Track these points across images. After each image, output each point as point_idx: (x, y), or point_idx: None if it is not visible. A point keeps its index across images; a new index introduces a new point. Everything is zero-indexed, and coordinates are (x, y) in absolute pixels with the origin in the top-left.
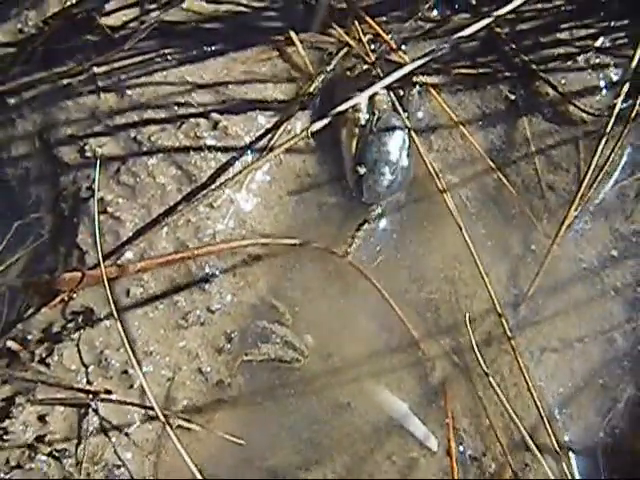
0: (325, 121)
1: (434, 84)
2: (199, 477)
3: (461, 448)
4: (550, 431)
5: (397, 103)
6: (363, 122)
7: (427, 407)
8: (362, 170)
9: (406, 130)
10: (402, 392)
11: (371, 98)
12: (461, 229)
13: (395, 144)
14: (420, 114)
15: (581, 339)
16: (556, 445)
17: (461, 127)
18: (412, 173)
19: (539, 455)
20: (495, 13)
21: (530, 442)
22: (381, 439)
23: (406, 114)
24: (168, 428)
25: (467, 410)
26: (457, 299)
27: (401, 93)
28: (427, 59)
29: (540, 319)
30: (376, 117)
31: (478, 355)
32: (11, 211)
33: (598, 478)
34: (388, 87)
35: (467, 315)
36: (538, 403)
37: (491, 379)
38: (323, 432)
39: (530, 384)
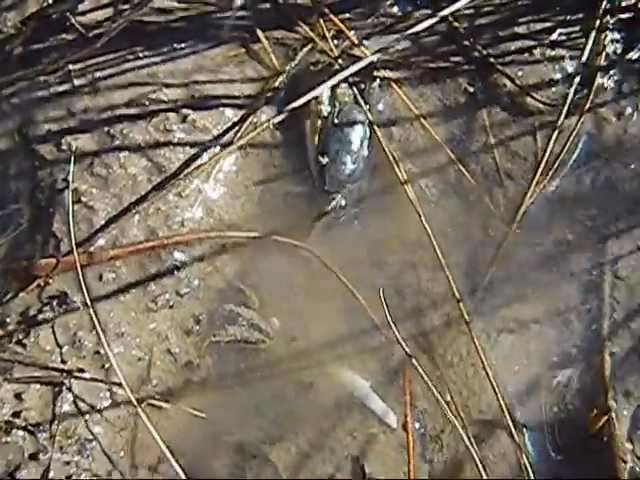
0: (286, 113)
1: (396, 77)
2: (167, 453)
3: (420, 426)
4: (505, 408)
5: (359, 96)
6: (325, 114)
7: (388, 387)
8: (324, 160)
9: (367, 121)
10: (364, 373)
11: (333, 91)
12: (420, 216)
13: (356, 135)
14: (381, 106)
15: (537, 321)
16: (510, 421)
17: (421, 119)
18: (374, 162)
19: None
20: (441, 13)
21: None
22: (343, 416)
23: (367, 106)
24: (137, 405)
25: (427, 391)
26: (419, 283)
27: (362, 86)
28: (381, 53)
29: (498, 302)
30: (337, 109)
31: (402, 343)
32: None
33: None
34: (349, 80)
35: (381, 290)
36: (493, 382)
37: (410, 362)
38: (287, 410)
39: (485, 364)
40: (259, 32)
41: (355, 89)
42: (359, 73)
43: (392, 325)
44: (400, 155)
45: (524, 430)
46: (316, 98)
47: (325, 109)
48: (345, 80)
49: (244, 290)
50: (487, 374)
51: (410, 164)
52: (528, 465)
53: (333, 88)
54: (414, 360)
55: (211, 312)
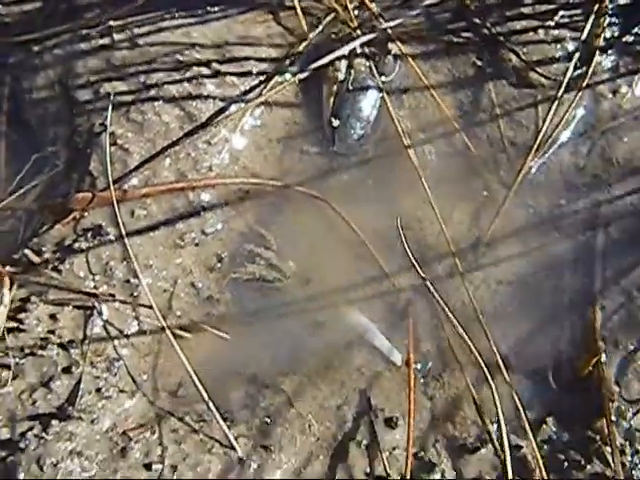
0: (309, 71)
1: (410, 50)
2: (191, 372)
3: (422, 365)
4: (497, 352)
5: (373, 66)
6: (341, 79)
7: (394, 330)
8: (336, 123)
9: (379, 90)
10: (373, 316)
11: (350, 61)
12: (420, 178)
13: (367, 102)
14: (394, 76)
15: (534, 274)
16: (502, 364)
17: (431, 89)
18: (383, 128)
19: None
20: None
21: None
22: (352, 354)
23: (381, 77)
24: (165, 327)
25: (431, 334)
26: (425, 236)
27: (377, 58)
28: (395, 24)
29: (498, 256)
30: (352, 77)
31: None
32: (30, 147)
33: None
34: (366, 51)
35: (398, 219)
36: (486, 329)
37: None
38: (300, 346)
39: (478, 312)
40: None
41: (371, 61)
42: (376, 45)
43: (408, 252)
44: (409, 122)
45: (520, 372)
46: (334, 65)
47: (341, 76)
48: (363, 49)
49: (264, 234)
50: (479, 321)
51: (419, 130)
52: (519, 403)
53: (350, 58)
54: (428, 282)
55: (232, 252)
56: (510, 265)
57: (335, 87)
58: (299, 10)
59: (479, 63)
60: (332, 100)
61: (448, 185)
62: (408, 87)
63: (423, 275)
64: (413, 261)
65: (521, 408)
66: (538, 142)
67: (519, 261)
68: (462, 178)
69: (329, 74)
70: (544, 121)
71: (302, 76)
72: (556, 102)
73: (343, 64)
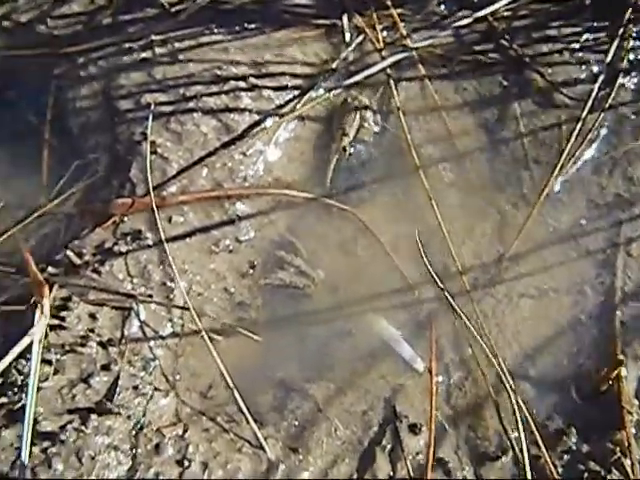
0: (341, 88)
1: (436, 70)
2: (228, 378)
3: (445, 375)
4: (503, 366)
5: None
6: (345, 145)
7: (418, 339)
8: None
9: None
10: (397, 324)
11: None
12: (430, 199)
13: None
14: (413, 97)
15: (556, 290)
16: (508, 377)
17: (442, 111)
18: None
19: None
20: (477, 14)
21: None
22: (377, 362)
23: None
24: (202, 329)
25: (454, 345)
26: (448, 249)
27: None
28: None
29: (520, 271)
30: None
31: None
32: (71, 154)
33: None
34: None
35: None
36: (492, 343)
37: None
38: (327, 353)
39: (482, 332)
40: (345, 19)
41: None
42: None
43: (427, 266)
44: (427, 141)
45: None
46: (343, 129)
47: (347, 140)
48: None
49: (294, 242)
50: (488, 341)
51: (441, 150)
52: (528, 415)
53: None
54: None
55: (264, 259)
56: (532, 280)
57: (337, 155)
58: (346, 29)
59: (505, 83)
60: (332, 167)
61: (471, 202)
62: (427, 108)
63: (442, 286)
64: (433, 274)
65: (531, 420)
66: (562, 161)
67: (541, 276)
68: (486, 195)
69: (337, 138)
70: (568, 140)
71: (335, 92)
72: (580, 122)
73: (353, 128)
